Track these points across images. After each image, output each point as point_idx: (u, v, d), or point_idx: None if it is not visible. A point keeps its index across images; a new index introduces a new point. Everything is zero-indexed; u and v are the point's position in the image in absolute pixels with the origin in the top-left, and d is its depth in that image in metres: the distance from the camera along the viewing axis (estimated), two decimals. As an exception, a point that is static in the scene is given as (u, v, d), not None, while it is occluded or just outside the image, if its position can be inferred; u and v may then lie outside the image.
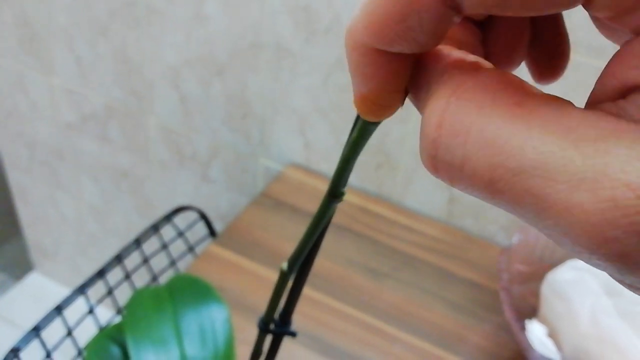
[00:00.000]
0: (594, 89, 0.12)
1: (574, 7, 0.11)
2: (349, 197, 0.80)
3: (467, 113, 0.11)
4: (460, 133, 0.11)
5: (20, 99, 1.08)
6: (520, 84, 0.12)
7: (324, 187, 0.80)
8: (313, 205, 0.76)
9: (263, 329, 0.29)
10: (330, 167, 0.84)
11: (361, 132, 0.17)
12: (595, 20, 0.13)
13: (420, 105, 0.14)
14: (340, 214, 0.75)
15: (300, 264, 0.26)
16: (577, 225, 0.10)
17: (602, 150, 0.10)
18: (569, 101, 0.11)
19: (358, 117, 0.17)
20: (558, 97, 0.11)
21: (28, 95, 1.06)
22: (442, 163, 0.12)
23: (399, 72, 0.13)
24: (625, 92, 0.11)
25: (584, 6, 0.11)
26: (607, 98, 0.12)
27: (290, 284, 0.27)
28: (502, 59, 0.16)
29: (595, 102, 0.12)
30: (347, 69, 0.14)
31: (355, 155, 0.18)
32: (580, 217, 0.10)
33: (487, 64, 0.13)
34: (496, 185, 0.11)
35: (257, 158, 0.90)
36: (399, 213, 0.79)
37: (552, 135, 0.10)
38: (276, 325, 0.29)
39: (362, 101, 0.14)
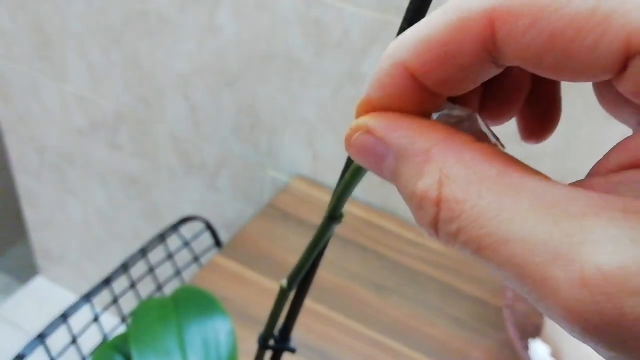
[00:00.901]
0: (597, 165, 0.13)
1: (603, 80, 0.11)
2: (354, 210, 0.80)
3: (459, 190, 0.12)
4: (455, 209, 0.12)
5: (32, 104, 1.09)
6: (499, 154, 0.13)
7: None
8: (319, 218, 0.77)
9: (263, 345, 0.29)
10: (337, 179, 0.84)
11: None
12: (604, 95, 0.14)
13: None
14: (346, 227, 0.75)
15: (300, 282, 0.26)
16: (551, 298, 0.11)
17: (579, 228, 0.10)
18: (548, 176, 0.12)
19: None
20: (539, 172, 0.12)
21: (40, 101, 1.08)
22: (441, 232, 0.13)
23: (411, 100, 0.14)
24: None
25: (612, 80, 0.11)
26: (604, 173, 0.12)
27: (290, 300, 0.27)
28: (496, 111, 0.16)
29: (590, 176, 0.13)
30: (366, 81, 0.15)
31: (356, 181, 0.18)
32: (554, 291, 0.10)
33: (463, 134, 0.14)
34: (484, 252, 0.12)
35: (265, 169, 0.91)
36: (404, 227, 0.79)
37: (536, 210, 0.11)
38: (276, 341, 0.29)
39: (368, 102, 0.15)
